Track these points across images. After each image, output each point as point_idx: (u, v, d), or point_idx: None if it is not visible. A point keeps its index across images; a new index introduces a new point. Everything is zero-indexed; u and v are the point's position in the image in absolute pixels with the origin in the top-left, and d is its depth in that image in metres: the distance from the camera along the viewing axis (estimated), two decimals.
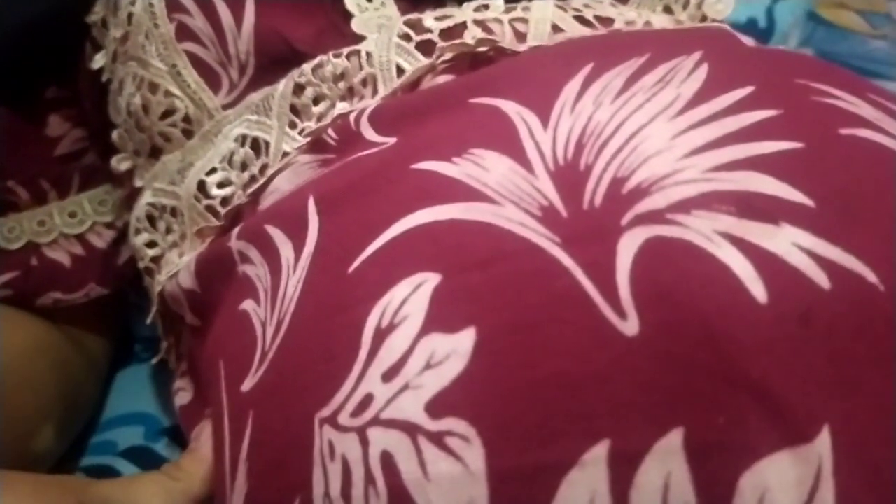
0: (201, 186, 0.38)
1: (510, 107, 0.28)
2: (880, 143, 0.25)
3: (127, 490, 0.32)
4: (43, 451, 0.45)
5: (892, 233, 0.23)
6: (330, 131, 0.33)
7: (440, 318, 0.24)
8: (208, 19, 0.38)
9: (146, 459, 0.48)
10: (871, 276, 0.22)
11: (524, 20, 0.35)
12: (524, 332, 0.23)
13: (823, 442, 0.21)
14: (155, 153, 0.41)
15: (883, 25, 0.69)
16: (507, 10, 0.35)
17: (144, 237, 0.41)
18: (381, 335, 0.25)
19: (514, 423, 0.22)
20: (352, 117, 0.33)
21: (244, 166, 0.37)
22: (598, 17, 0.35)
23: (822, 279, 0.22)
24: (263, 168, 0.36)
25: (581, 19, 0.35)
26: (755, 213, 0.23)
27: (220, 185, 0.37)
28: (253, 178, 0.36)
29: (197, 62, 0.38)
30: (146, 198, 0.41)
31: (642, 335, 0.22)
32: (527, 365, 0.22)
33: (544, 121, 0.27)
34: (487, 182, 0.26)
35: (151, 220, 0.41)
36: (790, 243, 0.23)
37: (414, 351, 0.24)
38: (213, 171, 0.38)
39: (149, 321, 0.41)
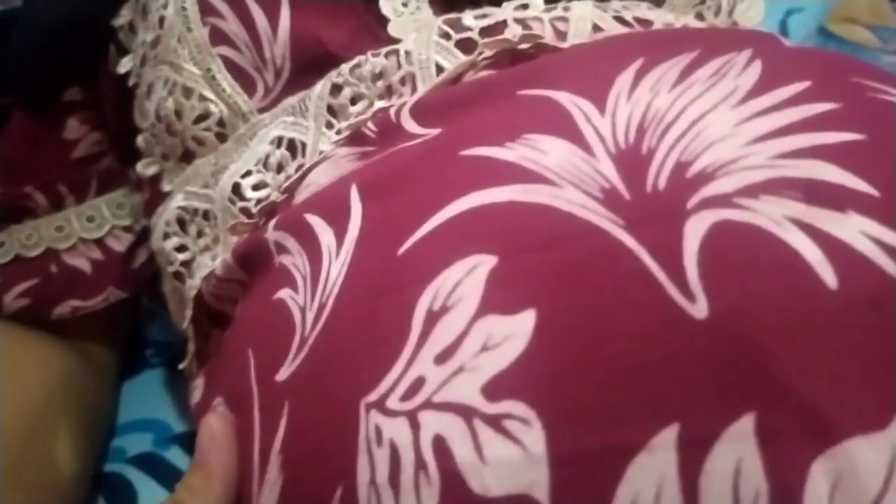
0: (236, 189, 0.37)
1: (562, 96, 0.28)
2: None
3: None
4: (65, 461, 0.43)
5: None
6: (370, 124, 0.33)
7: (497, 300, 0.23)
8: (243, 23, 0.38)
9: (155, 467, 0.46)
10: None
11: (564, 19, 0.35)
12: (588, 314, 0.22)
13: None
14: (186, 157, 0.40)
15: (893, 40, 0.70)
16: (548, 10, 0.35)
17: (174, 241, 0.40)
18: (433, 318, 0.24)
19: (578, 405, 0.21)
20: (392, 111, 0.32)
21: (280, 168, 0.36)
22: (637, 19, 0.35)
23: (890, 266, 0.22)
24: (300, 169, 0.36)
25: (620, 20, 0.35)
26: (822, 201, 0.23)
27: (256, 188, 0.37)
28: (289, 178, 0.36)
29: (232, 66, 0.38)
30: (177, 202, 0.40)
31: (712, 318, 0.21)
32: (591, 347, 0.22)
33: (601, 108, 0.26)
34: (546, 164, 0.25)
35: (181, 223, 0.40)
36: (858, 231, 0.22)
37: (469, 333, 0.23)
38: (248, 173, 0.37)
39: (184, 326, 0.39)
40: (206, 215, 0.39)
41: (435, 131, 0.30)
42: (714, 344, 0.21)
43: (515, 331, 0.23)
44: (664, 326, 0.21)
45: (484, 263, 0.24)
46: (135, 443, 0.48)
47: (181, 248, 0.41)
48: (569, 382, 0.22)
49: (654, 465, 0.21)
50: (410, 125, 0.31)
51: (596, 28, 0.34)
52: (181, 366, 0.41)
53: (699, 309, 0.21)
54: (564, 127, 0.26)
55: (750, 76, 0.27)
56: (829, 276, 0.22)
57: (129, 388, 0.52)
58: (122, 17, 0.43)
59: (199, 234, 0.40)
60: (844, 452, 0.20)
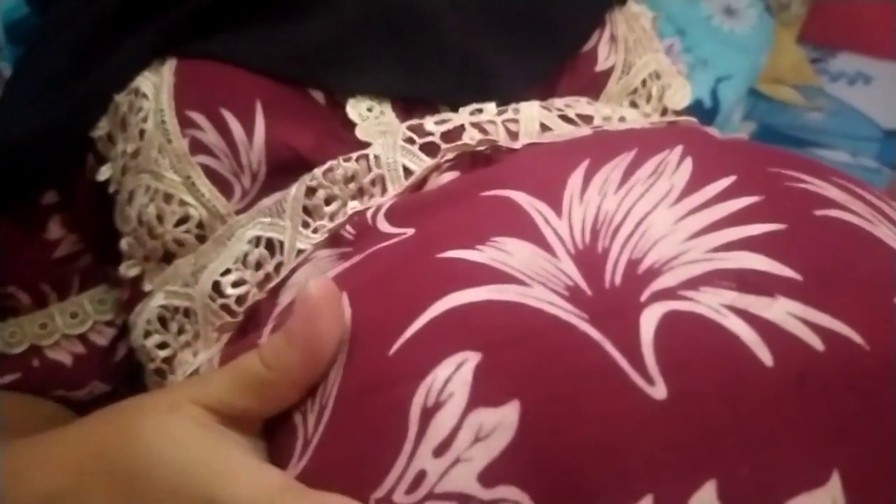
0: (216, 287, 0.39)
1: (521, 197, 0.31)
2: (850, 222, 0.29)
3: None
4: None
5: (870, 298, 0.27)
6: (348, 227, 0.36)
7: (484, 393, 0.26)
8: (221, 134, 0.41)
9: None
10: (857, 338, 0.26)
11: (515, 120, 0.38)
12: (564, 402, 0.25)
13: (835, 485, 0.24)
14: (166, 258, 0.42)
15: (816, 98, 0.76)
16: (500, 113, 0.39)
17: (156, 339, 0.42)
18: (428, 413, 0.27)
19: (562, 486, 0.24)
20: (368, 214, 0.35)
21: (258, 265, 0.39)
22: (579, 115, 0.39)
23: (816, 342, 0.26)
24: (278, 266, 0.38)
25: (564, 118, 0.39)
26: (753, 288, 0.26)
27: (235, 285, 0.39)
28: (268, 277, 0.38)
29: (210, 173, 0.41)
30: (157, 300, 0.42)
31: (670, 399, 0.25)
32: (569, 432, 0.25)
33: (557, 210, 0.30)
34: (514, 265, 0.28)
35: (162, 321, 0.42)
36: (786, 312, 0.26)
37: (462, 426, 0.26)
38: (227, 271, 0.39)
39: None
40: (186, 313, 0.41)
41: (409, 231, 0.33)
42: (673, 421, 0.25)
43: (502, 421, 0.26)
44: (630, 408, 0.25)
45: (470, 360, 0.27)
46: None
47: (162, 346, 0.42)
48: (552, 466, 0.25)
49: None
50: (384, 226, 0.35)
51: (543, 127, 0.38)
52: None
53: (658, 391, 0.25)
54: (526, 229, 0.30)
55: (682, 175, 0.30)
56: (764, 355, 0.25)
57: None
58: (101, 129, 0.45)
59: (180, 331, 0.41)
60: None
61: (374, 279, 0.32)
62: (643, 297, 0.26)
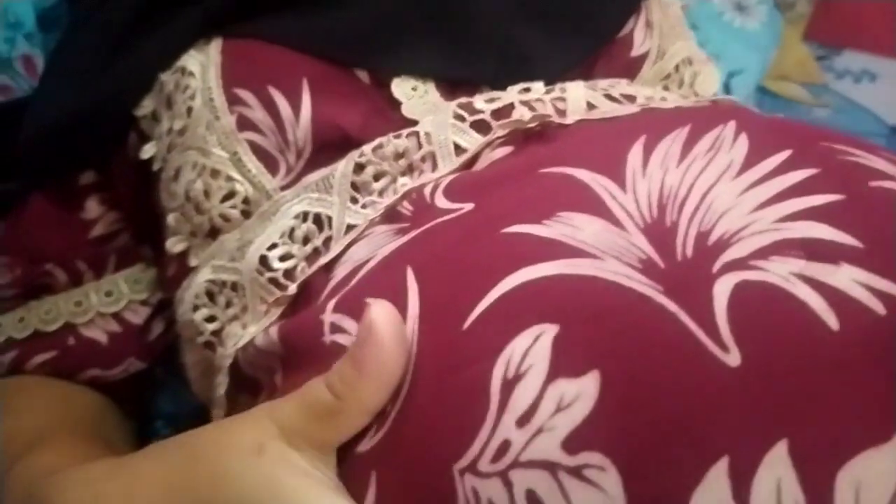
0: (263, 261, 0.40)
1: (583, 174, 0.32)
2: None
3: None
4: None
5: None
6: (405, 203, 0.37)
7: (563, 364, 0.27)
8: (268, 111, 0.42)
9: None
10: None
11: (562, 99, 0.39)
12: (643, 372, 0.26)
13: None
14: (212, 234, 0.43)
15: (822, 95, 0.77)
16: (547, 91, 0.40)
17: (204, 312, 0.43)
18: (508, 385, 0.27)
19: (644, 452, 0.25)
20: (427, 190, 0.36)
21: (306, 240, 0.40)
22: (623, 95, 0.40)
23: (878, 307, 0.27)
24: (327, 241, 0.39)
25: (609, 97, 0.40)
26: (819, 256, 0.27)
27: (282, 259, 0.40)
28: (316, 251, 0.39)
29: (257, 149, 0.42)
30: (204, 275, 0.43)
31: (744, 365, 0.26)
32: (649, 399, 0.26)
33: (621, 185, 0.31)
34: (584, 240, 0.29)
35: (210, 295, 0.43)
36: (850, 279, 0.27)
37: (544, 396, 0.27)
38: (273, 246, 0.40)
39: (219, 393, 0.42)
40: (233, 287, 0.42)
41: (468, 206, 0.34)
42: (748, 386, 0.26)
43: (584, 391, 0.26)
44: (706, 376, 0.26)
45: (547, 332, 0.28)
46: None
47: (210, 319, 0.43)
48: (634, 431, 0.26)
49: (712, 494, 0.25)
50: (442, 202, 0.35)
51: (590, 105, 0.39)
52: None
53: (733, 358, 0.26)
54: (592, 204, 0.30)
55: (740, 149, 0.31)
56: (831, 321, 0.26)
57: None
58: (145, 108, 0.45)
59: (228, 305, 0.42)
60: (861, 463, 0.25)
61: (438, 255, 0.33)
62: (715, 269, 0.27)
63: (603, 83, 0.41)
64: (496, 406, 0.27)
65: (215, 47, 0.43)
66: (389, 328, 0.30)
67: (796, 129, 0.34)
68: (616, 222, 0.30)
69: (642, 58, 0.47)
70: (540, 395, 0.27)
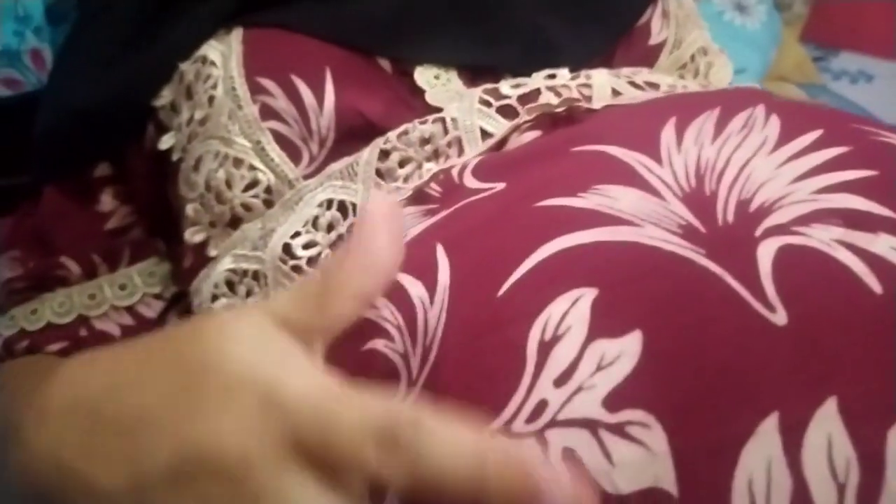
0: (286, 249, 0.40)
1: (616, 150, 0.32)
2: None
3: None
4: None
5: None
6: (433, 185, 0.37)
7: (603, 325, 0.27)
8: (291, 100, 0.42)
9: None
10: None
11: (588, 85, 0.40)
12: (689, 329, 0.26)
13: None
14: (233, 223, 0.43)
15: (820, 96, 0.79)
16: (573, 78, 0.40)
17: (223, 302, 0.42)
18: (546, 347, 0.27)
19: (691, 406, 0.25)
20: (454, 171, 0.36)
21: (330, 227, 0.40)
22: (646, 82, 0.41)
23: None
24: (351, 227, 0.39)
25: (633, 84, 0.41)
26: (857, 225, 0.28)
27: (306, 247, 0.40)
28: (340, 237, 0.39)
29: (280, 138, 0.42)
30: (225, 264, 0.42)
31: (791, 324, 0.26)
32: (696, 356, 0.26)
33: (657, 159, 0.31)
34: (621, 208, 0.29)
35: (230, 285, 0.42)
36: (889, 247, 0.27)
37: (583, 356, 0.27)
38: (297, 234, 0.40)
39: None
40: (255, 275, 0.42)
41: (499, 185, 0.34)
42: (796, 344, 0.26)
43: (625, 350, 0.26)
44: (754, 334, 0.26)
45: (586, 295, 0.28)
46: None
47: (229, 309, 0.43)
48: (680, 388, 0.26)
49: (763, 449, 0.25)
50: (472, 182, 0.35)
51: (614, 92, 0.39)
52: None
53: (780, 317, 0.26)
54: (628, 177, 0.31)
55: (773, 128, 0.32)
56: (874, 284, 0.27)
57: None
58: (164, 98, 0.45)
59: (248, 294, 0.42)
60: None
61: (470, 229, 0.33)
62: (758, 233, 0.28)
63: (626, 71, 0.42)
64: (532, 367, 0.27)
65: (236, 37, 0.44)
66: (384, 214, 0.30)
67: (825, 112, 0.35)
68: (654, 192, 0.30)
69: (659, 47, 0.48)
70: (579, 355, 0.27)
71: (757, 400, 0.25)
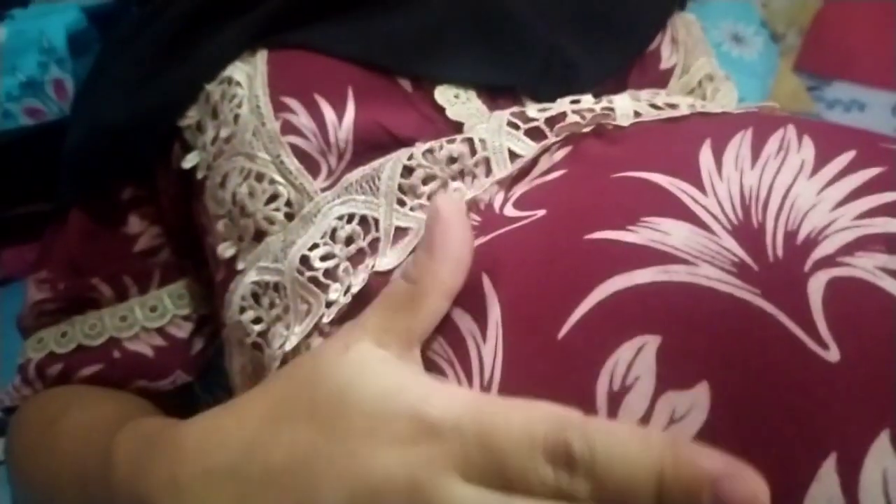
0: (304, 261, 0.40)
1: (658, 178, 0.33)
2: None
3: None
4: None
5: None
6: (472, 215, 0.37)
7: (671, 376, 0.28)
8: (312, 117, 0.42)
9: None
10: None
11: (611, 108, 0.40)
12: (751, 377, 0.27)
13: None
14: (258, 237, 0.43)
15: None
16: (596, 102, 0.40)
17: (250, 314, 0.43)
18: (616, 398, 0.28)
19: (759, 456, 0.26)
20: (496, 204, 0.36)
21: (349, 241, 0.39)
22: (665, 104, 0.41)
23: None
24: (374, 242, 0.39)
25: (654, 106, 0.41)
26: None
27: (324, 259, 0.40)
28: (361, 251, 0.39)
29: (298, 152, 0.42)
30: (250, 277, 0.43)
31: (843, 360, 0.27)
32: (761, 407, 0.27)
33: (699, 188, 0.32)
34: (674, 244, 0.30)
35: (255, 297, 0.43)
36: None
37: (654, 409, 0.28)
38: (314, 246, 0.40)
39: None
40: (276, 287, 0.42)
41: (539, 212, 0.35)
42: (849, 381, 0.27)
43: (695, 402, 0.27)
44: (812, 375, 0.27)
45: (650, 343, 0.28)
46: None
47: (257, 321, 0.43)
48: (748, 440, 0.27)
49: (824, 490, 0.26)
50: (511, 211, 0.36)
51: (636, 114, 0.39)
52: None
53: (832, 354, 0.27)
54: (675, 208, 0.31)
55: (808, 150, 0.32)
56: None
57: None
58: (190, 118, 0.46)
59: (271, 306, 0.42)
60: None
61: (518, 261, 0.33)
62: (806, 268, 0.28)
63: (645, 94, 0.42)
64: (604, 418, 0.28)
65: (261, 58, 0.44)
66: (454, 210, 0.32)
67: (853, 131, 0.36)
68: (703, 225, 0.30)
69: (669, 71, 0.49)
70: (650, 407, 0.28)
71: (818, 442, 0.26)
